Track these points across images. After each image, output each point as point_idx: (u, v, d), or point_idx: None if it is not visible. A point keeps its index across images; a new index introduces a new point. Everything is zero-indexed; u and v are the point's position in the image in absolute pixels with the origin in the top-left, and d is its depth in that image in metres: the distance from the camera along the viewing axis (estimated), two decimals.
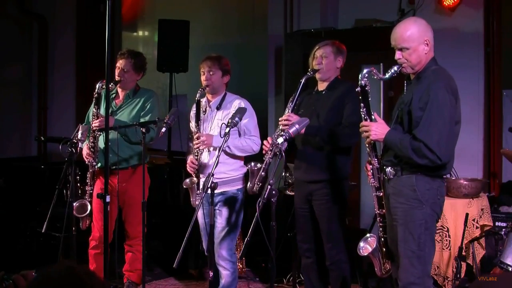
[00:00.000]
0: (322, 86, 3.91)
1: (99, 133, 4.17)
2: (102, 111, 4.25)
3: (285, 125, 3.60)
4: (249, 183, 3.68)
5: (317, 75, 3.87)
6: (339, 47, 3.89)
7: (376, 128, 3.09)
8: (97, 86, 4.15)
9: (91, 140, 4.18)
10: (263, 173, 3.51)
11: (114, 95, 4.45)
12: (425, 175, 3.05)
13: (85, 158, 4.23)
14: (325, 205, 3.80)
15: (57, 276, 1.55)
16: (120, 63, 4.36)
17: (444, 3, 5.15)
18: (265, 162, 3.53)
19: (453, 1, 5.12)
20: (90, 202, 4.18)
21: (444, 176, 3.19)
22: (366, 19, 5.42)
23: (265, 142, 3.72)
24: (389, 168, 3.16)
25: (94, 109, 4.21)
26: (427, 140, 2.94)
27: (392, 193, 3.16)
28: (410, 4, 5.34)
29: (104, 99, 4.25)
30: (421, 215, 3.04)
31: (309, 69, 3.86)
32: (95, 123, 4.16)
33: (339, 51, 3.88)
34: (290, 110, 3.77)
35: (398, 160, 3.11)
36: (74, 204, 4.01)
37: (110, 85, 4.17)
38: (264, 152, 3.68)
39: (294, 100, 3.80)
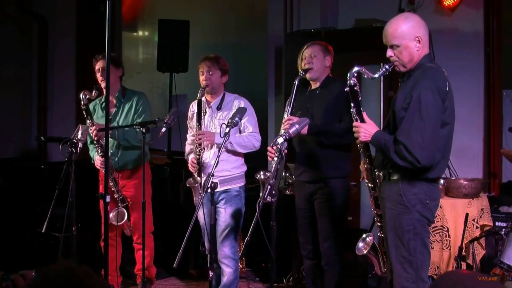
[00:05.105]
0: (315, 85, 3.92)
1: (103, 140, 4.18)
2: (94, 118, 4.37)
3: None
4: (261, 193, 3.66)
5: (308, 75, 3.86)
6: (326, 47, 3.93)
7: (365, 130, 3.03)
8: (81, 98, 4.21)
9: (100, 150, 4.26)
10: (272, 181, 3.51)
11: (103, 103, 4.41)
12: (411, 180, 2.96)
13: (98, 167, 4.39)
14: (326, 203, 3.80)
15: (57, 276, 1.55)
16: (98, 65, 4.43)
17: (444, 3, 5.15)
18: (273, 168, 3.51)
19: (453, 1, 5.12)
20: (126, 207, 4.32)
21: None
22: (366, 19, 5.40)
23: (269, 148, 3.70)
24: (378, 172, 3.13)
25: (88, 120, 4.24)
26: (407, 142, 2.85)
27: (382, 197, 3.12)
28: (410, 4, 5.33)
29: (93, 108, 4.47)
30: (408, 220, 2.96)
31: (300, 70, 3.87)
32: (92, 132, 4.22)
33: (327, 50, 3.91)
34: (288, 114, 3.78)
35: (385, 164, 3.05)
36: (111, 214, 4.18)
37: (94, 93, 4.21)
38: (270, 159, 3.66)
39: (291, 103, 3.80)
